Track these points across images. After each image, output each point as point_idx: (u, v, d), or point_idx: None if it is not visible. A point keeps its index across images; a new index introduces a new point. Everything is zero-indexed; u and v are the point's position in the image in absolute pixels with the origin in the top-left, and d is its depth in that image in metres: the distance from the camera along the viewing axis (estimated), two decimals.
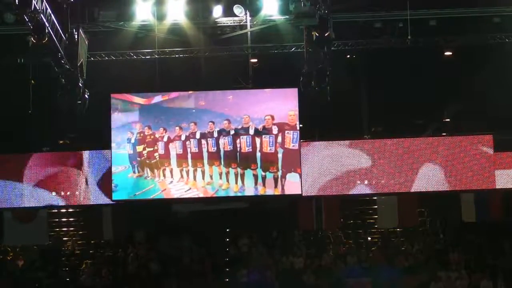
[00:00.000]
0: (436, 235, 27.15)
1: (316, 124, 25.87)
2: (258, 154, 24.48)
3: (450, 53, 25.49)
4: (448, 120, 27.55)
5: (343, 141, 24.25)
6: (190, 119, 24.66)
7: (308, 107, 23.98)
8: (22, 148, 24.87)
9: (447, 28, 24.68)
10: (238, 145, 24.58)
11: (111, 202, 24.36)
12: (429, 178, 24.05)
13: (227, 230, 27.21)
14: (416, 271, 25.10)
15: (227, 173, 24.57)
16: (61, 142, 27.39)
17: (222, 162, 24.60)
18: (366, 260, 25.78)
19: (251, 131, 24.59)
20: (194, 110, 24.47)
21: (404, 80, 25.57)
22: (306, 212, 25.94)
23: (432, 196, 25.15)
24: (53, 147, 25.86)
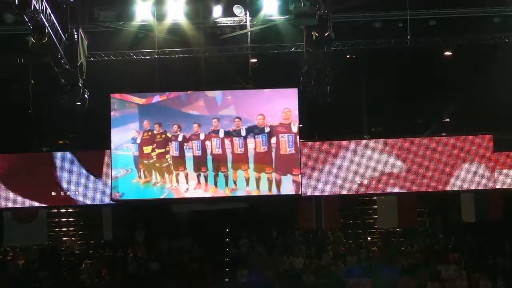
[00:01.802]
0: (436, 235, 27.16)
1: (316, 124, 25.84)
2: (300, 156, 22.97)
3: (450, 53, 25.48)
4: (448, 120, 27.54)
5: (343, 141, 24.23)
6: (192, 120, 23.07)
7: (308, 107, 23.96)
8: (22, 148, 24.87)
9: (447, 28, 24.68)
10: (275, 146, 22.80)
11: (111, 202, 24.21)
12: (430, 178, 24.06)
13: (227, 230, 27.19)
14: (416, 271, 25.10)
15: (258, 179, 22.77)
16: (61, 142, 27.36)
17: (252, 166, 22.85)
18: (366, 260, 25.78)
19: (294, 129, 22.98)
20: (195, 112, 23.69)
21: (404, 80, 25.56)
22: (306, 212, 25.93)
23: (432, 196, 25.17)
24: (53, 147, 25.84)
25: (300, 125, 23.82)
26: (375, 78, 26.01)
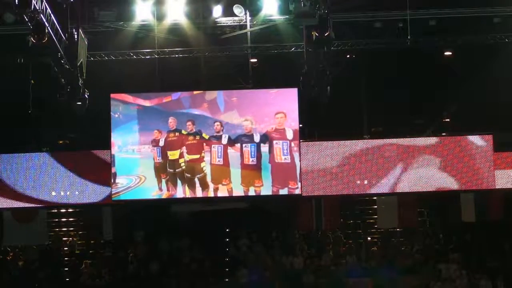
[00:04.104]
0: (436, 235, 27.17)
1: (316, 124, 25.84)
2: None
3: (450, 53, 25.50)
4: (448, 120, 27.55)
5: (343, 141, 24.24)
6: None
7: (308, 107, 23.96)
8: (22, 148, 24.87)
9: (447, 28, 24.68)
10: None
11: (111, 202, 24.15)
12: (429, 178, 24.07)
13: (227, 230, 27.18)
14: (416, 271, 25.13)
15: None
16: (61, 142, 27.36)
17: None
18: (366, 260, 25.80)
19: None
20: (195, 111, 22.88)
21: (404, 80, 25.58)
22: (306, 212, 25.91)
23: (432, 196, 25.17)
24: (53, 147, 25.86)
25: (300, 125, 23.80)
26: (375, 78, 26.02)
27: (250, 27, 24.99)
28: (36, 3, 18.31)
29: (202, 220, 25.88)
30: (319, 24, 20.53)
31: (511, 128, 24.65)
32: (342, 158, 24.07)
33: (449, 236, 26.88)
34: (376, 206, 26.49)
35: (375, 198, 26.16)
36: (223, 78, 25.11)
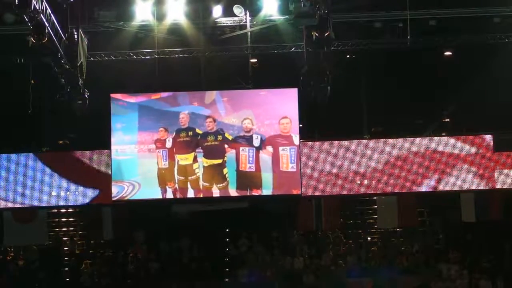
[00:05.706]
0: (436, 235, 27.17)
1: (316, 124, 25.83)
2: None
3: (450, 53, 25.51)
4: (448, 120, 27.55)
5: (343, 141, 24.23)
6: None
7: (308, 107, 23.96)
8: (22, 148, 24.87)
9: (447, 28, 24.69)
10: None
11: (111, 203, 24.14)
12: (431, 178, 24.08)
13: (227, 230, 27.18)
14: (416, 271, 25.12)
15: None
16: (61, 142, 27.36)
17: None
18: (366, 260, 25.80)
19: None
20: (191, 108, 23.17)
21: (404, 80, 25.58)
22: (306, 212, 25.90)
23: (432, 196, 25.17)
24: (53, 147, 25.86)
25: (300, 125, 23.78)
26: (375, 78, 26.02)
27: (250, 27, 24.99)
28: (36, 3, 18.30)
29: (202, 220, 25.88)
30: (319, 24, 20.53)
31: (511, 128, 24.65)
32: (342, 158, 24.06)
33: (449, 236, 26.88)
34: (376, 206, 26.49)
35: (375, 198, 26.16)
36: (223, 78, 25.11)
